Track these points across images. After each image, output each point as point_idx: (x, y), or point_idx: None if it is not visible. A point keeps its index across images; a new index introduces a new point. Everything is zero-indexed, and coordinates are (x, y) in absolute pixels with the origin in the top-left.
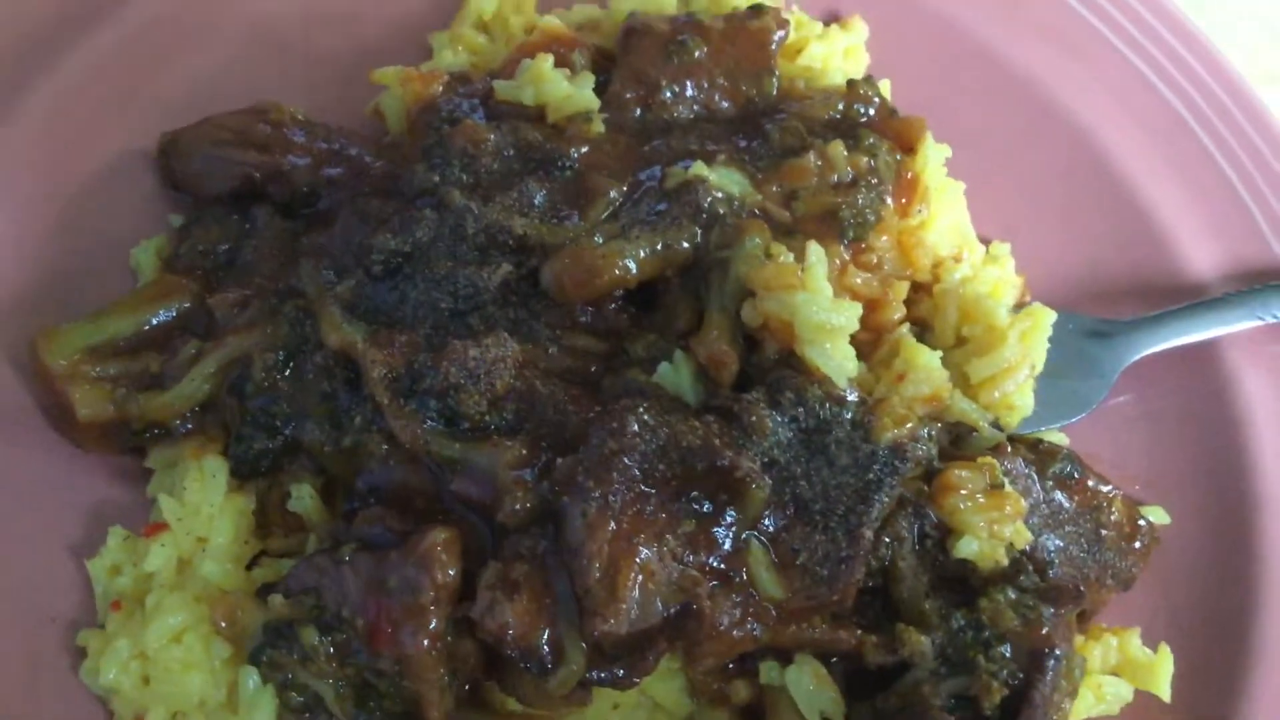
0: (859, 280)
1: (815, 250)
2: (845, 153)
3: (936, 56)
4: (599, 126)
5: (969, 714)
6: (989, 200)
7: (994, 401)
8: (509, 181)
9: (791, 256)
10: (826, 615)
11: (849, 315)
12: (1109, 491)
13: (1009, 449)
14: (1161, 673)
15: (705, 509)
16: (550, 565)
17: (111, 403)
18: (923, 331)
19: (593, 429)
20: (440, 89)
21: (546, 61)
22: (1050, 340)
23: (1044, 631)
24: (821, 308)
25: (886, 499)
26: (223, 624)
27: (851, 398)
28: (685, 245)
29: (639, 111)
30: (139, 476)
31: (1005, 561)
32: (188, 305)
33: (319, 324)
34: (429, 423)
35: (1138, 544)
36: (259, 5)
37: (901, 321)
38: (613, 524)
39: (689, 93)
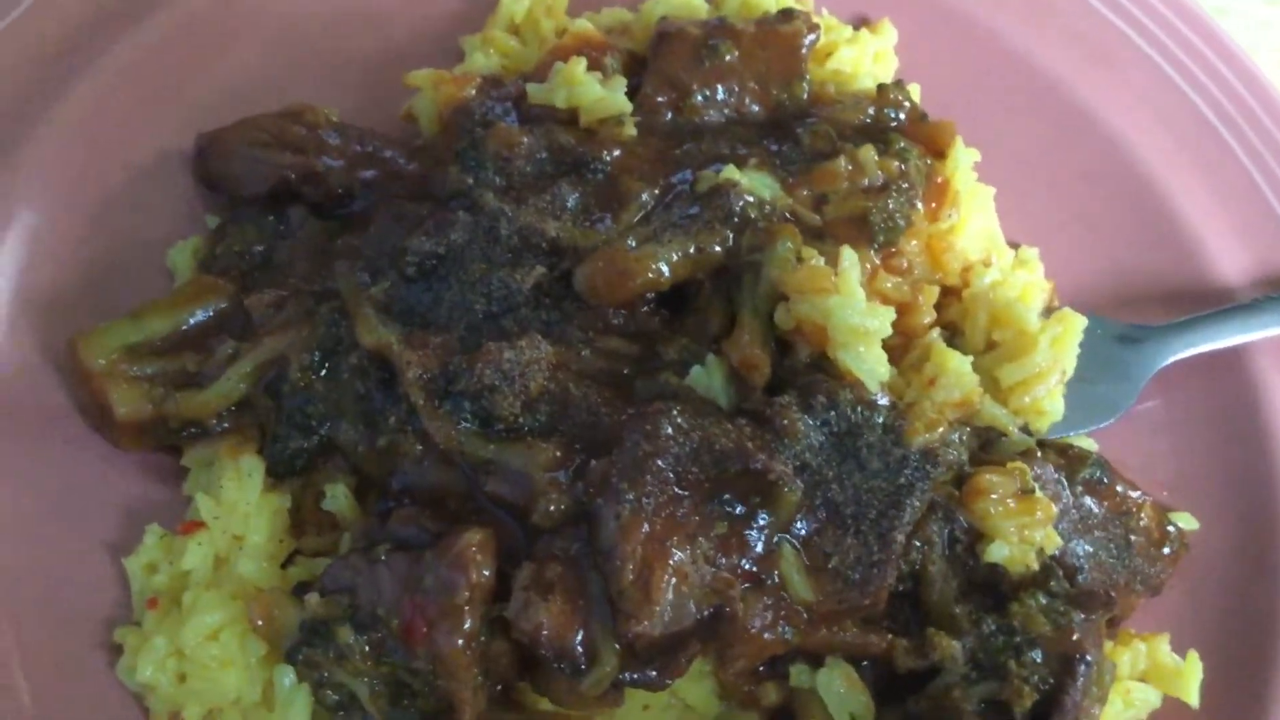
0: (889, 285)
1: (849, 255)
2: (876, 157)
3: (965, 61)
4: (631, 130)
5: (999, 719)
6: (1018, 205)
7: (1024, 406)
8: (542, 184)
9: (823, 260)
10: (857, 619)
11: (883, 319)
12: (1138, 497)
13: (1039, 454)
14: (1190, 679)
15: (738, 512)
16: (584, 566)
17: (149, 401)
18: (952, 336)
19: (626, 431)
20: (473, 92)
21: (579, 65)
22: (1079, 345)
23: (1075, 637)
24: (856, 311)
25: (918, 503)
26: (259, 622)
27: (883, 402)
28: (717, 249)
29: (670, 115)
30: (176, 475)
31: (1035, 566)
32: (224, 306)
33: (354, 325)
34: (463, 424)
35: (1166, 550)
36: (294, 7)
37: (932, 326)
38: (646, 526)
39: (720, 96)
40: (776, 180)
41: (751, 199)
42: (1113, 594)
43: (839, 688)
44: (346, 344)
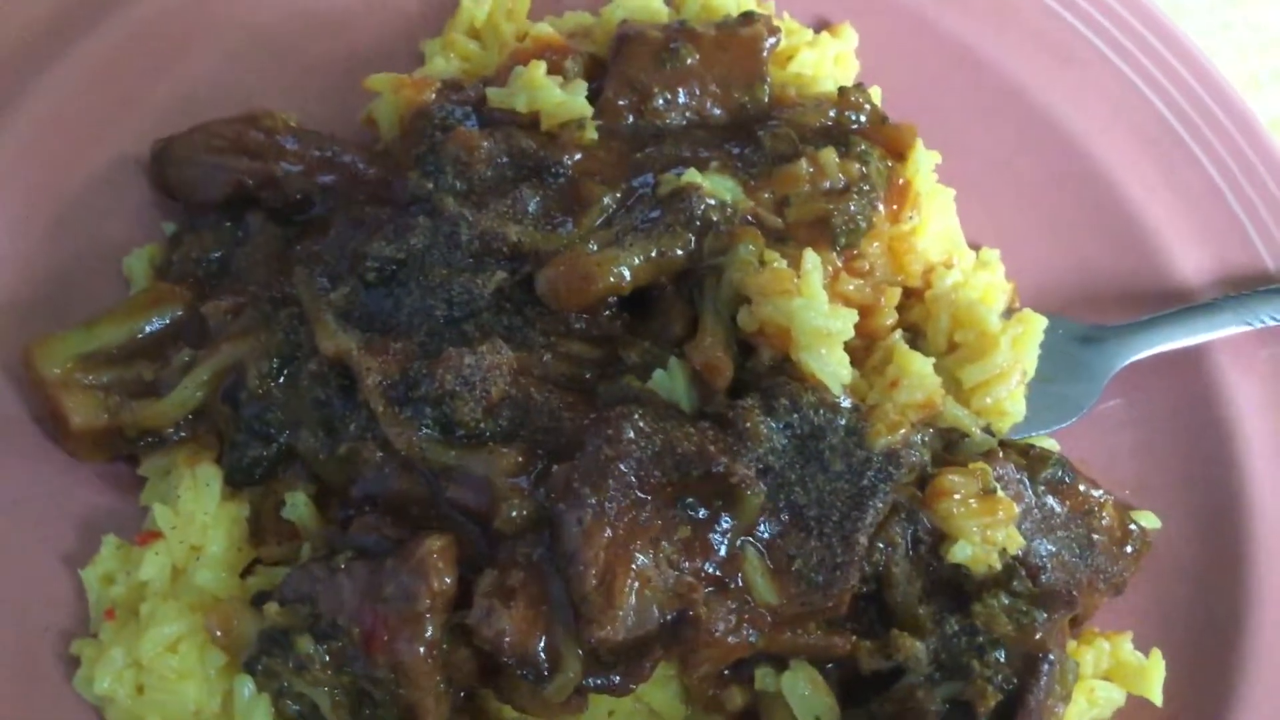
0: (851, 287)
1: (811, 257)
2: (837, 159)
3: (926, 63)
4: (592, 133)
5: (964, 719)
6: (979, 206)
7: (986, 407)
8: (502, 188)
9: (785, 263)
10: (821, 621)
11: (845, 321)
12: (1100, 496)
13: (1000, 454)
14: (1153, 677)
15: (700, 515)
16: (546, 572)
17: (105, 410)
18: (915, 337)
19: (588, 436)
20: (433, 96)
21: (539, 69)
22: (1040, 346)
23: (1037, 636)
24: (819, 313)
25: (881, 505)
26: (218, 632)
27: (845, 404)
28: (679, 252)
29: (631, 118)
30: (132, 484)
31: (998, 566)
32: (181, 313)
33: (313, 331)
34: (424, 430)
35: (1129, 548)
36: (251, 12)
37: (894, 328)
38: (608, 531)
39: (681, 100)
40: (738, 183)
41: (713, 202)
42: (1075, 593)
43: (803, 690)
44: (305, 350)
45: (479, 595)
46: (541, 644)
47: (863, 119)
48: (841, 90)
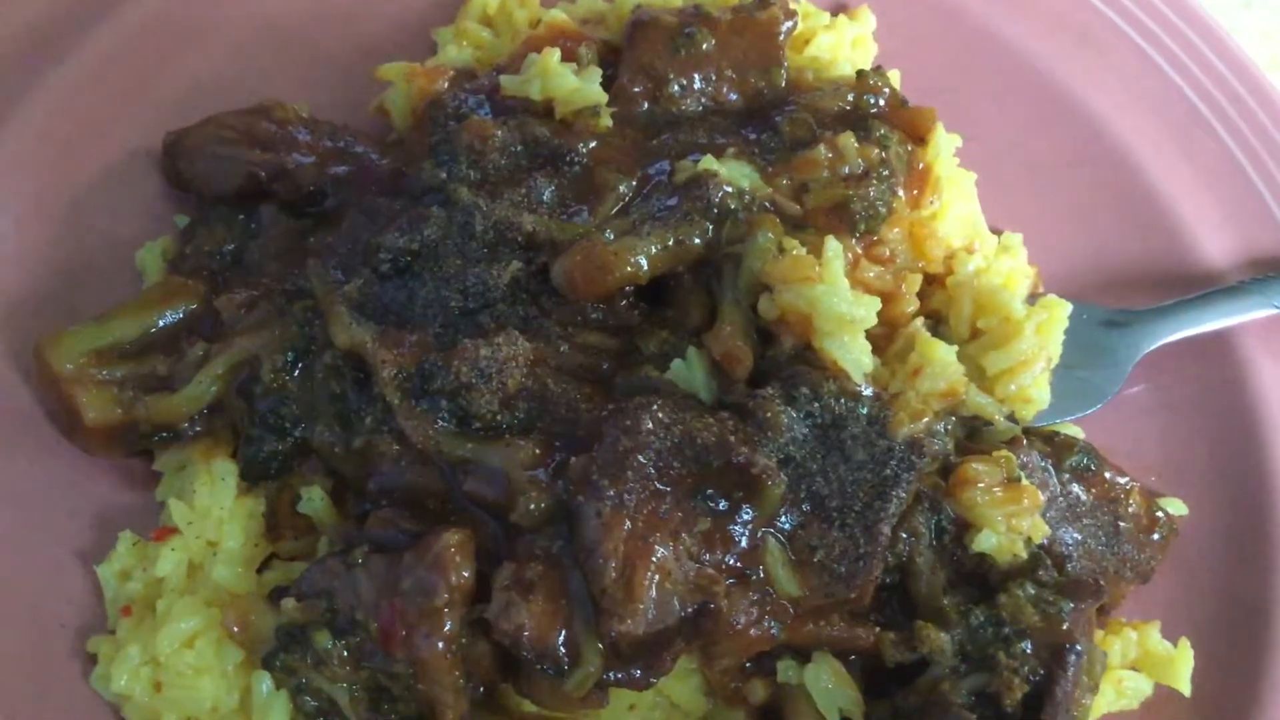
0: (871, 274)
1: (833, 244)
2: (856, 144)
3: (945, 46)
4: (607, 121)
5: (990, 711)
6: (1000, 191)
7: (1010, 394)
8: (517, 177)
9: (804, 250)
10: (844, 613)
11: (868, 308)
12: (1126, 483)
13: (1025, 442)
14: (1182, 667)
15: (721, 506)
16: (565, 565)
17: (119, 405)
18: (937, 324)
19: (606, 427)
20: (446, 85)
21: (553, 56)
22: (1065, 331)
23: (1064, 627)
24: (843, 300)
25: (904, 495)
26: (235, 628)
27: (867, 393)
28: (697, 240)
29: (647, 105)
30: (147, 480)
31: (1024, 555)
32: (194, 306)
33: (328, 324)
34: (440, 423)
35: (1156, 536)
36: (261, 3)
37: (915, 315)
38: (628, 523)
39: (697, 85)
40: (756, 170)
41: (731, 189)
42: (1102, 582)
43: (827, 683)
44: (320, 343)
45: (497, 589)
46: (561, 638)
47: (881, 103)
48: (860, 74)
